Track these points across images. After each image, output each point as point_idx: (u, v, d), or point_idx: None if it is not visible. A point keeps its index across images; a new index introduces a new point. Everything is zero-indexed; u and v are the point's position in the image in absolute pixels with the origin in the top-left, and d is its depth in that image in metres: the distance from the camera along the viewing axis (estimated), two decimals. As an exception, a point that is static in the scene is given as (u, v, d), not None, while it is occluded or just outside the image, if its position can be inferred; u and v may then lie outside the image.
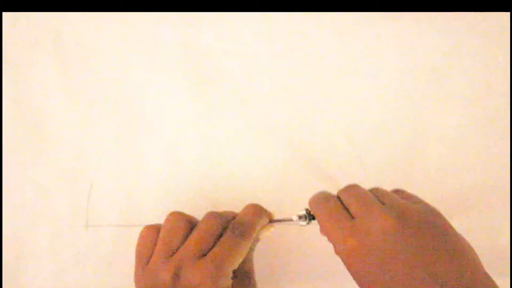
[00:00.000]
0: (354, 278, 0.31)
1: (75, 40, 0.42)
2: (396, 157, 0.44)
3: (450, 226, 0.32)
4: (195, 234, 0.33)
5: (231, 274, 0.33)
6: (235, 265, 0.33)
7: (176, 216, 0.35)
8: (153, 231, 0.35)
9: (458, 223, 0.44)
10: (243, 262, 0.36)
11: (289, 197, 0.44)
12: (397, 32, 0.44)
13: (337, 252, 0.31)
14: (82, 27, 0.42)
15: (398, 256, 0.29)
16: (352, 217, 0.32)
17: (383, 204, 0.32)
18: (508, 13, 0.44)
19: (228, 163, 0.43)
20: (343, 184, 0.44)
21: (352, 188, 0.35)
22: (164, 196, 0.42)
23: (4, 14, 0.42)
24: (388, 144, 0.44)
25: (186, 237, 0.33)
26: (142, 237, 0.35)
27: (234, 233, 0.34)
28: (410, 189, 0.44)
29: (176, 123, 0.43)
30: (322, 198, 0.34)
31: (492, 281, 0.30)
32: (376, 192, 0.35)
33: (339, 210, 0.32)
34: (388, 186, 0.44)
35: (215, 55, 0.43)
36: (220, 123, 0.43)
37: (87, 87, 0.42)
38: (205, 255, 0.32)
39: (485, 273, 0.31)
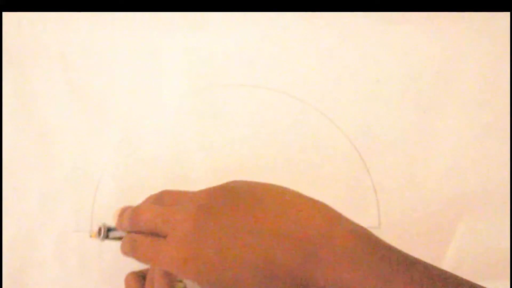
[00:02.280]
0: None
1: (80, 46, 0.43)
2: (399, 160, 0.44)
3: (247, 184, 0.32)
4: None
5: None
6: None
7: (128, 279, 0.37)
8: None
9: (462, 226, 0.44)
10: None
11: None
12: (400, 35, 0.44)
13: (178, 275, 0.30)
14: (87, 33, 0.43)
15: (231, 236, 0.28)
16: (164, 237, 0.31)
17: (176, 205, 0.32)
18: (508, 13, 0.44)
19: (232, 170, 0.44)
20: (347, 188, 0.44)
21: (141, 214, 0.33)
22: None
23: (9, 16, 0.42)
24: (392, 147, 0.44)
25: None
26: None
27: None
28: (413, 191, 0.44)
29: (180, 128, 0.43)
30: (129, 244, 0.33)
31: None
32: (162, 199, 0.34)
33: (151, 243, 0.31)
34: (392, 190, 0.44)
35: (217, 59, 0.43)
36: (224, 128, 0.43)
37: (92, 93, 0.43)
38: None
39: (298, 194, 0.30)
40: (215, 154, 0.43)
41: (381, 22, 0.44)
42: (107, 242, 0.42)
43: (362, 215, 0.44)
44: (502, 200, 0.44)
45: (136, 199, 0.42)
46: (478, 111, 0.44)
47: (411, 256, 0.28)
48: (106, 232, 0.37)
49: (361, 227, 0.29)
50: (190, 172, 0.43)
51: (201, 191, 0.32)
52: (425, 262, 0.28)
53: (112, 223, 0.37)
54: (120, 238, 0.36)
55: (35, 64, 0.42)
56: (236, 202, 0.30)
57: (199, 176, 0.43)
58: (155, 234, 0.32)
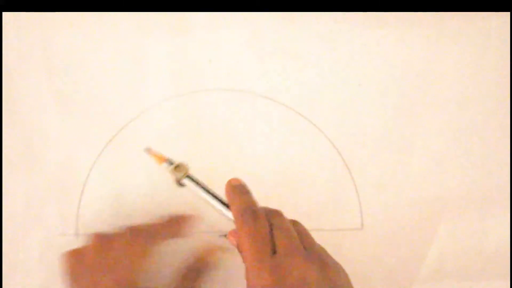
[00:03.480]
0: None
1: (64, 50, 0.41)
2: (381, 162, 0.44)
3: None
4: None
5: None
6: (128, 271, 0.34)
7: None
8: None
9: (443, 226, 0.45)
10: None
11: (276, 203, 0.44)
12: (381, 40, 0.42)
13: (248, 280, 0.31)
14: (70, 37, 0.41)
15: None
16: (274, 251, 0.31)
17: (304, 248, 0.32)
18: (508, 13, 0.42)
19: (215, 170, 0.43)
20: (330, 190, 0.44)
21: (279, 218, 0.33)
22: (152, 205, 0.43)
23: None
24: (374, 149, 0.44)
25: None
26: None
27: (127, 236, 0.36)
28: (395, 193, 0.44)
29: (163, 132, 0.43)
30: (250, 214, 0.32)
31: None
32: (296, 228, 0.34)
33: (264, 238, 0.31)
34: (375, 191, 0.44)
35: (200, 64, 0.42)
36: (208, 132, 0.43)
37: (77, 97, 0.42)
38: None
39: None
40: (200, 158, 0.43)
41: (361, 26, 0.42)
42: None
43: (345, 217, 0.45)
44: (483, 201, 0.45)
45: (122, 202, 0.43)
46: (459, 113, 0.44)
47: None
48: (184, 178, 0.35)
49: None
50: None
51: (328, 260, 0.32)
52: None
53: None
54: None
55: (20, 70, 0.41)
56: None
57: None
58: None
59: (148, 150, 0.36)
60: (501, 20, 0.42)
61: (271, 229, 0.32)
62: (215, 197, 0.34)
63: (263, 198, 0.44)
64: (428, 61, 0.43)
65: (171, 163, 0.35)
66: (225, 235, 0.37)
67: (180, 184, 0.35)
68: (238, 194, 0.34)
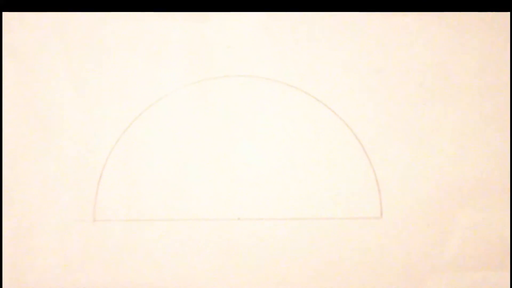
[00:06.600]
0: None
1: (82, 38, 0.42)
2: (401, 151, 0.45)
3: None
4: None
5: None
6: None
7: None
8: None
9: (463, 216, 0.45)
10: None
11: (291, 189, 0.44)
12: (402, 29, 0.45)
13: None
14: (88, 25, 0.42)
15: None
16: None
17: None
18: (508, 13, 0.45)
19: (232, 159, 0.43)
20: (350, 178, 0.45)
21: None
22: (170, 191, 0.42)
23: (12, 13, 0.41)
24: (394, 138, 0.45)
25: None
26: None
27: None
28: (415, 182, 0.45)
29: (181, 118, 0.43)
30: None
31: None
32: None
33: None
34: (394, 180, 0.45)
35: (220, 53, 0.43)
36: (226, 119, 0.43)
37: (95, 83, 0.42)
38: None
39: None
40: (217, 144, 0.43)
41: (383, 14, 0.44)
42: (110, 230, 0.41)
43: (364, 206, 0.45)
44: (503, 191, 0.46)
45: (140, 188, 0.42)
46: (479, 104, 0.45)
47: None
48: None
49: None
50: (192, 160, 0.43)
51: None
52: None
53: None
54: None
55: (39, 58, 0.41)
56: None
57: (201, 166, 0.43)
58: None
59: None
60: (501, 20, 0.45)
61: None
62: None
63: (280, 184, 0.44)
64: (448, 52, 0.45)
65: None
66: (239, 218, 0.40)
67: None
68: None
